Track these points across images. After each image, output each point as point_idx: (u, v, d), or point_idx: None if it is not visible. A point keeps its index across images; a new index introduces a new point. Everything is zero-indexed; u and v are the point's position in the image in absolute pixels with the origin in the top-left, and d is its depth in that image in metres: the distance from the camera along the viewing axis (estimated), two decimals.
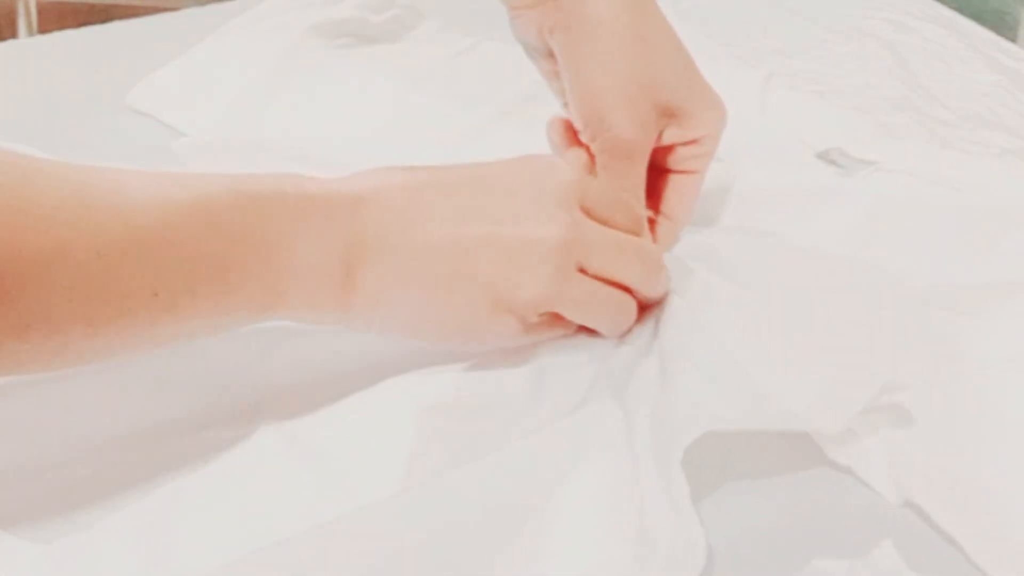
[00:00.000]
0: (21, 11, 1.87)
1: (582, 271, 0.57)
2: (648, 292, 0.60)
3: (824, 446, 0.55)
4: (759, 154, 0.75)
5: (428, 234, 0.55)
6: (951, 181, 0.71)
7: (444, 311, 0.56)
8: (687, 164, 0.66)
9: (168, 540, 0.49)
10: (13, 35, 1.86)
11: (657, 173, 0.66)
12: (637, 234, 0.60)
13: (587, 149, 0.65)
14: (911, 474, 0.54)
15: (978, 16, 0.98)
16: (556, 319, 0.58)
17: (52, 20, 1.90)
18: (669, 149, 0.66)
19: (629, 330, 0.60)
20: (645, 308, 0.61)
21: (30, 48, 0.97)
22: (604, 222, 0.58)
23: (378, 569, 0.47)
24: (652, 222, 0.66)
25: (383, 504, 0.49)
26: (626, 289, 0.59)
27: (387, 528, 0.48)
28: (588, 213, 0.58)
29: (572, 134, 0.66)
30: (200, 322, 0.52)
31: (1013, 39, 1.17)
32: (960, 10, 0.97)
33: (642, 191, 0.65)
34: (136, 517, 0.50)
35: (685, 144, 0.66)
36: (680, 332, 0.58)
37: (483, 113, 0.80)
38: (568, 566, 0.48)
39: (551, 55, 0.67)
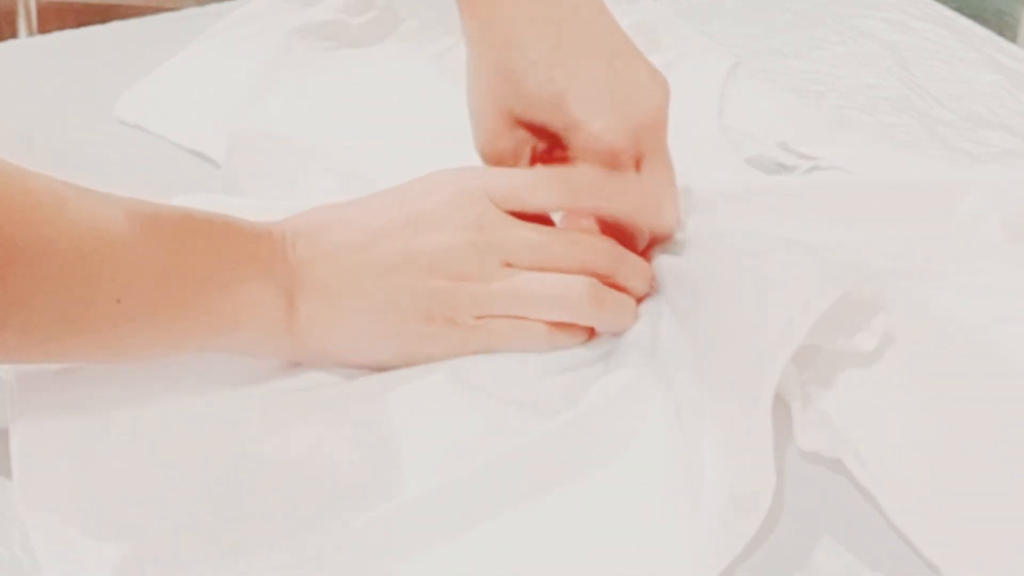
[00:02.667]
0: (21, 11, 1.86)
1: (511, 266, 0.58)
2: (617, 278, 0.60)
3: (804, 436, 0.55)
4: (694, 154, 0.73)
5: (349, 260, 0.58)
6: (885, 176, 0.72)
7: (376, 332, 0.58)
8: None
9: None
10: (13, 35, 1.86)
11: None
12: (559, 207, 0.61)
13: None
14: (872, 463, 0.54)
15: (978, 16, 0.98)
16: (506, 317, 0.58)
17: (52, 20, 1.89)
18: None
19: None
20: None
21: (30, 48, 0.97)
22: (522, 211, 0.59)
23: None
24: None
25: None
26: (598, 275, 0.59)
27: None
28: (504, 207, 0.59)
29: None
30: (158, 336, 0.54)
31: (1013, 39, 1.17)
32: (960, 10, 0.97)
33: None
34: None
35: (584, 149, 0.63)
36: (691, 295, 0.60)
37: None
38: (627, 515, 0.52)
39: None
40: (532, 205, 0.60)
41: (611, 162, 0.61)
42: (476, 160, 0.65)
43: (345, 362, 0.59)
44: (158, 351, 0.55)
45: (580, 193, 0.61)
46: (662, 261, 0.63)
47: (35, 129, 0.78)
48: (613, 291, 0.60)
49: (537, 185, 0.60)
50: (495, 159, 0.64)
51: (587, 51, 0.62)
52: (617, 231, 0.62)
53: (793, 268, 0.59)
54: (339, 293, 0.57)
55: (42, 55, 0.90)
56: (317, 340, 0.58)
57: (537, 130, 0.64)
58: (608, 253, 0.60)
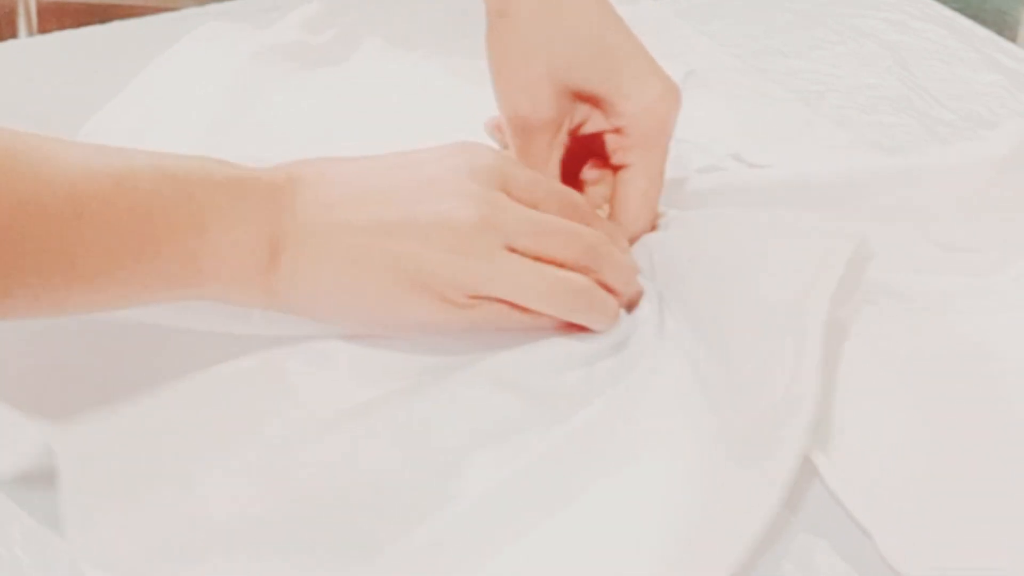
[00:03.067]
0: (21, 11, 1.87)
1: (513, 251, 0.57)
2: (605, 277, 0.60)
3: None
4: None
5: (347, 216, 0.56)
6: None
7: (363, 292, 0.56)
8: (619, 157, 0.66)
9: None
10: (13, 35, 1.86)
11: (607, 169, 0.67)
12: (571, 219, 0.60)
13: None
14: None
15: (978, 16, 0.98)
16: (497, 302, 0.57)
17: (52, 20, 1.90)
18: (599, 139, 0.66)
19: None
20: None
21: (30, 48, 0.97)
22: (533, 206, 0.59)
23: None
24: None
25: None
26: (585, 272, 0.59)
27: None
28: (517, 198, 0.58)
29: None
30: (116, 293, 0.53)
31: (1013, 39, 1.17)
32: (960, 10, 0.97)
33: (547, 167, 0.66)
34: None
35: (612, 133, 0.66)
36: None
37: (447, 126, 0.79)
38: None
39: None
40: (545, 206, 0.59)
41: (657, 136, 0.64)
42: None
43: (320, 318, 0.58)
44: (123, 300, 0.54)
45: (581, 248, 0.60)
46: (649, 245, 0.64)
47: (35, 129, 0.78)
48: (602, 292, 0.59)
49: (556, 205, 0.60)
50: (523, 128, 0.65)
51: (629, 35, 0.65)
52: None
53: (796, 235, 0.60)
54: (328, 247, 0.56)
55: (42, 55, 0.90)
56: (296, 292, 0.56)
57: (582, 93, 0.65)
58: (604, 253, 0.60)
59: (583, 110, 0.66)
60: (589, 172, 0.68)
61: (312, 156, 0.59)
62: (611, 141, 0.66)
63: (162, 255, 0.53)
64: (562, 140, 0.66)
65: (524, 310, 0.58)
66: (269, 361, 0.57)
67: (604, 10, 0.65)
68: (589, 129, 0.66)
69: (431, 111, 0.79)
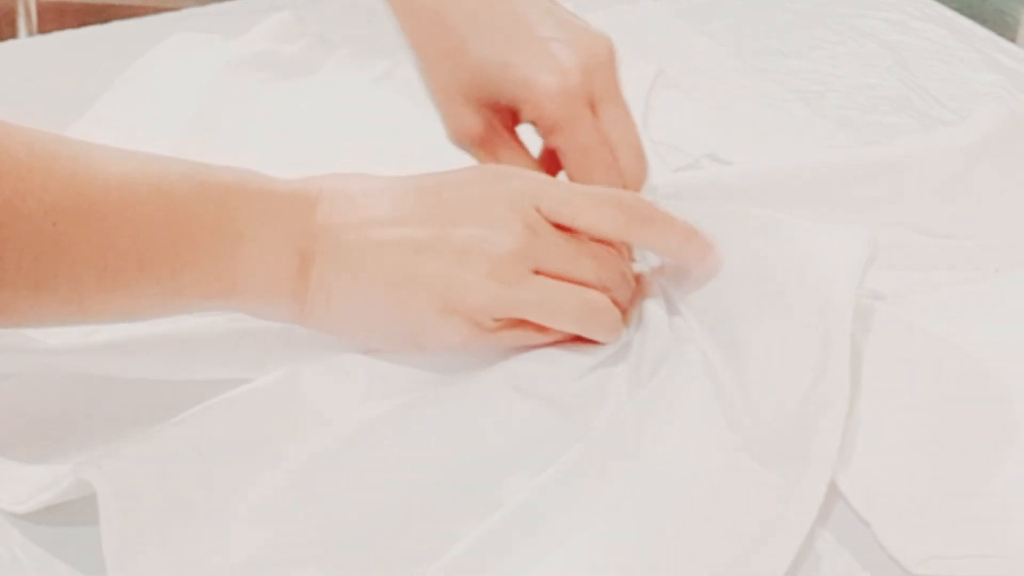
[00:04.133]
0: (21, 11, 1.86)
1: (540, 274, 0.57)
2: (615, 293, 0.59)
3: None
4: None
5: (379, 234, 0.56)
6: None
7: (392, 310, 0.56)
8: (551, 142, 0.63)
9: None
10: (13, 35, 1.86)
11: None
12: (611, 219, 0.58)
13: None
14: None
15: (978, 16, 0.98)
16: (520, 323, 0.57)
17: (52, 20, 1.89)
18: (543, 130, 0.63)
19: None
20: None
21: (30, 48, 0.97)
22: (572, 219, 0.58)
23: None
24: None
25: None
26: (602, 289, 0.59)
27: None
28: (552, 213, 0.57)
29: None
30: (148, 301, 0.53)
31: (1013, 39, 1.17)
32: (960, 10, 0.97)
33: (528, 164, 0.64)
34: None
35: (538, 123, 0.63)
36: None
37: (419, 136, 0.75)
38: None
39: None
40: (582, 225, 0.58)
41: (565, 111, 0.61)
42: None
43: (349, 335, 0.57)
44: (153, 309, 0.53)
45: (634, 223, 0.59)
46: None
47: None
48: (615, 309, 0.59)
49: (595, 206, 0.58)
50: (471, 143, 0.64)
51: (521, 15, 0.62)
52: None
53: (807, 232, 0.61)
54: (361, 264, 0.55)
55: (42, 55, 0.90)
56: (326, 308, 0.56)
57: (497, 107, 0.63)
58: (621, 272, 0.60)
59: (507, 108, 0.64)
60: None
61: (306, 168, 0.58)
62: (542, 130, 0.63)
63: (196, 262, 0.53)
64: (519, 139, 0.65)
65: (546, 330, 0.58)
66: (287, 379, 0.56)
67: (475, 3, 0.62)
68: (526, 121, 0.64)
69: (403, 120, 0.78)
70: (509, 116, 0.64)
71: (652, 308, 0.62)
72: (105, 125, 0.79)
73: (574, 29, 0.62)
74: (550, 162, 0.65)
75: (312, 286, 0.55)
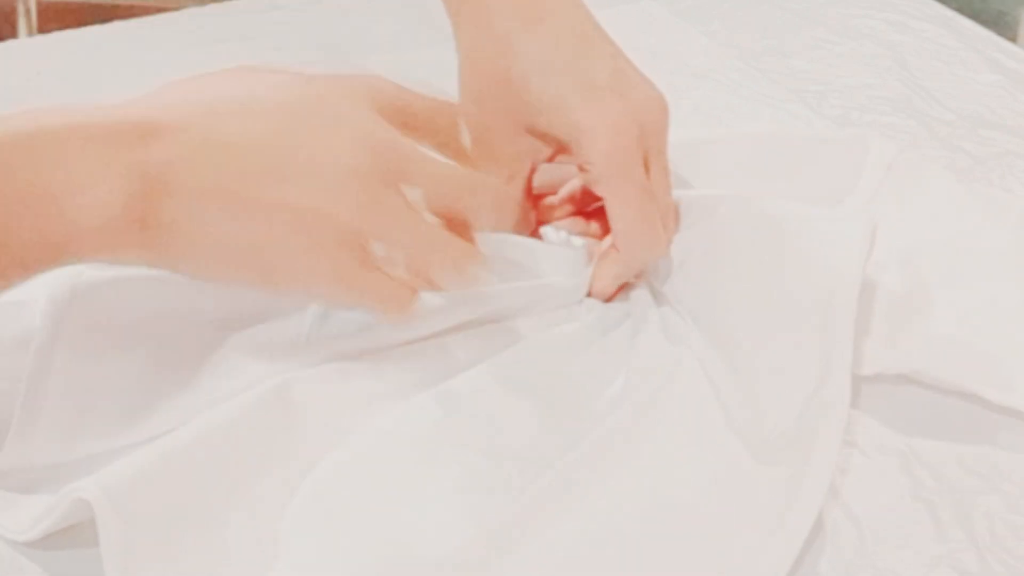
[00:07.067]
0: (21, 11, 1.86)
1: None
2: (478, 220, 0.57)
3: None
4: None
5: (230, 163, 0.51)
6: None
7: (254, 246, 0.52)
8: (596, 190, 0.63)
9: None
10: (13, 35, 1.86)
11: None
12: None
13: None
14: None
15: (978, 16, 0.98)
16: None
17: (52, 20, 1.89)
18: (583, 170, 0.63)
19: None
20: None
21: (30, 48, 0.97)
22: (427, 136, 0.56)
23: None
24: None
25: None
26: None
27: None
28: (409, 129, 0.55)
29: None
30: None
31: (1013, 39, 1.17)
32: (960, 10, 0.97)
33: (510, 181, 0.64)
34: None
35: (585, 169, 0.62)
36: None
37: None
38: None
39: None
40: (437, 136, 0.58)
41: (615, 169, 0.61)
42: None
43: (204, 276, 0.53)
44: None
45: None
46: None
47: None
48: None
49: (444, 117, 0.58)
50: (495, 167, 0.63)
51: (585, 55, 0.62)
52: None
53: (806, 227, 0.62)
54: (213, 197, 0.51)
55: (42, 55, 0.90)
56: (178, 248, 0.51)
57: (543, 136, 0.63)
58: (478, 200, 0.57)
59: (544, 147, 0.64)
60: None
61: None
62: (586, 174, 0.63)
63: (30, 213, 0.48)
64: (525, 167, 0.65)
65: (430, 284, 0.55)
66: (280, 389, 0.55)
67: (542, 35, 0.62)
68: (563, 161, 0.64)
69: None
70: (549, 143, 0.63)
71: (643, 307, 0.62)
72: None
73: (635, 82, 0.63)
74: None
75: (160, 228, 0.50)
